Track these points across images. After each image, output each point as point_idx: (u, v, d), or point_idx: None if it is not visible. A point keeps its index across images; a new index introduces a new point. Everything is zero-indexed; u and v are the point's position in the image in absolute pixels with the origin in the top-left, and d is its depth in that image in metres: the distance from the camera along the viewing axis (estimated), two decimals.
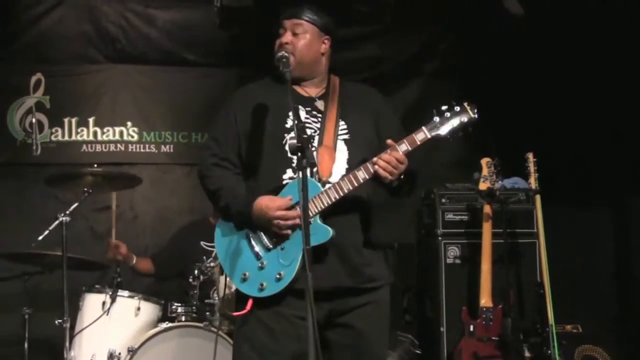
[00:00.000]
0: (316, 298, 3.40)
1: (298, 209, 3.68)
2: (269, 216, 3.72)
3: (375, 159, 3.72)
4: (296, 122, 3.50)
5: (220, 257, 3.93)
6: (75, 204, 5.72)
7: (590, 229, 7.26)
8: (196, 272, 5.70)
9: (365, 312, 3.84)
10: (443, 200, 6.60)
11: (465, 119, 3.78)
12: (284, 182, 3.81)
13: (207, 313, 5.61)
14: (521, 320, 6.33)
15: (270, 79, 4.03)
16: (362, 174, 3.72)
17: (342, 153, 3.86)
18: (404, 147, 3.74)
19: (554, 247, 6.35)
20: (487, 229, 6.24)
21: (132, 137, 7.32)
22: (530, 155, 6.29)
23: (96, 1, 7.29)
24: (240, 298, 3.83)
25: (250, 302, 3.77)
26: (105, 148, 7.27)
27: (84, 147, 7.24)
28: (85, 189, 5.74)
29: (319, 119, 3.89)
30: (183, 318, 5.73)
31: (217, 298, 5.61)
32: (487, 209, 6.26)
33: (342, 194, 3.72)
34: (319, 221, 3.73)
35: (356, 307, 3.83)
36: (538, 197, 6.30)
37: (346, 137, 3.89)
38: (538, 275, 6.39)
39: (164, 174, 7.38)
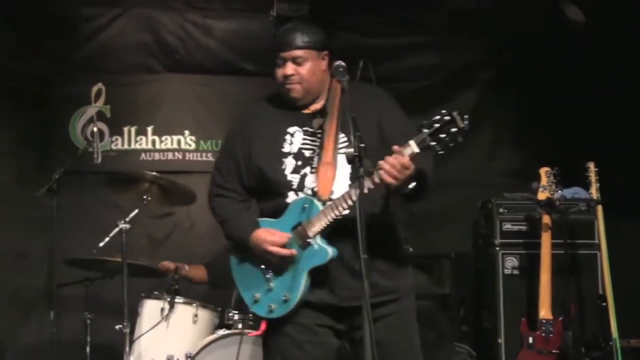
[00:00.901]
0: (334, 314, 3.61)
1: (300, 228, 3.74)
2: (262, 249, 3.80)
3: (380, 163, 3.60)
4: (354, 132, 3.48)
5: (234, 279, 4.01)
6: (135, 211, 5.80)
7: None
8: None
9: (387, 323, 3.82)
10: (501, 210, 6.54)
11: (454, 129, 3.55)
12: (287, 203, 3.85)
13: None
14: (582, 333, 6.24)
15: (269, 97, 4.10)
16: (354, 190, 3.58)
17: (343, 169, 3.79)
18: (390, 160, 3.59)
19: (616, 259, 6.24)
20: (546, 239, 6.16)
21: (190, 145, 7.39)
22: (591, 165, 6.20)
23: (155, 12, 7.39)
24: (257, 318, 4.00)
25: (264, 323, 3.90)
26: (163, 156, 7.35)
27: (143, 155, 7.34)
28: (145, 197, 5.82)
29: (319, 137, 3.88)
30: (240, 325, 5.76)
31: None
32: (546, 219, 6.18)
33: (340, 212, 3.68)
34: (319, 242, 3.73)
35: (377, 319, 3.69)
36: (600, 208, 6.19)
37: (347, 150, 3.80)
38: (600, 288, 6.28)
39: None
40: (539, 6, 6.98)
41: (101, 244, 5.74)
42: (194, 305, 5.80)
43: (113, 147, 7.30)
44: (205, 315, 5.84)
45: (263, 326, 3.90)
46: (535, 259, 6.21)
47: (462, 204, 7.14)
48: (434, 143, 3.55)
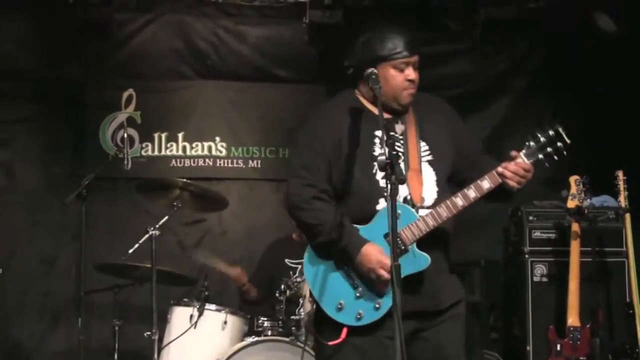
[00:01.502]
0: (404, 317, 3.42)
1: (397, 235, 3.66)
2: (371, 268, 3.69)
3: (500, 169, 3.74)
4: (385, 137, 3.47)
5: (311, 285, 3.85)
6: (165, 218, 5.82)
7: None
8: (282, 287, 5.75)
9: (444, 327, 3.85)
10: (530, 218, 6.54)
11: (560, 144, 3.78)
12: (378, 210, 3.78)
13: (293, 328, 5.64)
14: (610, 341, 6.22)
15: (342, 100, 3.97)
16: (460, 201, 3.72)
17: (428, 175, 3.84)
18: (512, 167, 3.75)
19: None
20: (575, 247, 6.17)
21: (221, 152, 7.41)
22: (620, 174, 6.23)
23: (188, 18, 7.41)
24: (331, 325, 3.78)
25: (345, 331, 3.75)
26: (194, 163, 7.37)
27: (173, 161, 7.36)
28: (175, 203, 5.83)
29: (402, 143, 3.86)
30: (269, 332, 5.78)
31: (303, 313, 5.64)
32: (575, 227, 6.19)
33: (440, 221, 3.72)
34: (416, 249, 3.72)
35: (438, 324, 3.84)
36: (628, 216, 6.24)
37: (429, 158, 3.87)
38: (627, 295, 6.27)
39: (251, 189, 7.45)
40: (572, 14, 6.97)
41: (130, 250, 5.78)
42: (224, 312, 5.81)
43: (143, 153, 7.33)
44: (234, 322, 5.85)
45: (344, 334, 3.73)
46: (564, 267, 6.24)
47: (493, 211, 7.10)
48: (541, 156, 3.78)
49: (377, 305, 3.73)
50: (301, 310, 5.67)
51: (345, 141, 3.82)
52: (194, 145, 7.39)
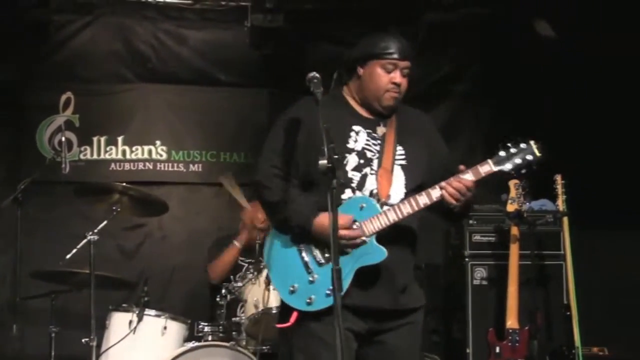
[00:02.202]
0: (361, 313, 3.58)
1: (358, 225, 3.72)
2: (329, 234, 3.63)
3: (443, 183, 3.73)
4: (327, 142, 3.48)
5: (269, 267, 3.93)
6: (104, 223, 5.73)
7: (620, 251, 7.20)
8: (223, 291, 5.73)
9: (403, 332, 3.86)
10: (470, 222, 6.57)
11: (530, 157, 3.81)
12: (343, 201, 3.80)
13: (234, 332, 5.62)
14: (548, 342, 6.30)
15: (329, 95, 3.98)
16: (423, 199, 3.74)
17: (399, 177, 3.87)
18: (468, 176, 3.76)
19: (583, 269, 6.33)
20: (514, 250, 6.22)
21: (161, 156, 7.36)
22: (558, 178, 6.31)
23: (128, 21, 7.37)
24: (285, 310, 3.81)
25: (294, 315, 3.76)
26: (134, 167, 7.32)
27: (113, 165, 7.30)
28: (114, 208, 5.76)
29: (379, 143, 3.89)
30: (210, 337, 5.74)
31: (243, 317, 5.62)
32: (514, 230, 6.24)
33: (401, 217, 3.73)
34: (374, 242, 3.73)
35: (395, 327, 3.85)
36: (565, 220, 6.31)
37: (403, 162, 3.90)
38: (565, 298, 6.35)
39: (192, 193, 7.41)
40: (512, 21, 7.06)
41: (68, 256, 5.67)
42: (163, 317, 5.73)
43: (82, 157, 7.26)
44: (174, 327, 5.76)
45: (293, 318, 3.74)
46: (504, 270, 6.27)
47: (433, 216, 7.16)
48: (509, 166, 3.80)
49: (329, 292, 3.68)
50: (242, 314, 5.65)
51: (321, 132, 3.77)
52: (133, 148, 7.33)
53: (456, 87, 7.69)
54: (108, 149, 7.29)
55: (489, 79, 7.57)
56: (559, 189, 6.28)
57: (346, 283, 3.66)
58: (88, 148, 7.27)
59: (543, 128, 7.15)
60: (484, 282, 6.49)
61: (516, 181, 6.20)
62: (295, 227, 3.80)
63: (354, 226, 3.72)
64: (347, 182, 3.80)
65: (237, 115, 7.27)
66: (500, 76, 7.46)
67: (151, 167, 7.34)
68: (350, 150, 3.84)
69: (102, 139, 7.29)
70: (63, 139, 6.97)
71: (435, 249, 7.20)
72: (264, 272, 5.51)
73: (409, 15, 7.26)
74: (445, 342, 6.88)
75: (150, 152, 7.34)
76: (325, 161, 3.43)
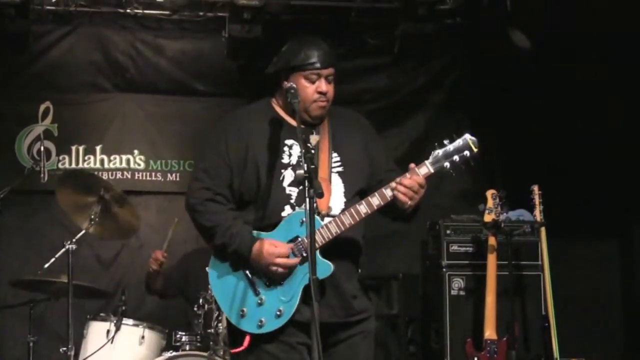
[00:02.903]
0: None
1: (300, 240, 3.69)
2: (268, 262, 3.69)
3: (394, 184, 3.69)
4: (304, 152, 3.48)
5: (216, 293, 3.88)
6: (82, 232, 5.73)
7: (597, 262, 7.27)
8: (201, 301, 5.71)
9: (354, 342, 3.84)
10: (448, 232, 6.60)
11: (467, 153, 3.76)
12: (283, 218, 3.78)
13: (211, 342, 5.60)
14: (526, 353, 6.32)
15: (257, 107, 3.97)
16: (363, 208, 3.70)
17: (337, 186, 3.83)
18: (407, 181, 3.70)
19: (560, 279, 6.36)
20: (491, 260, 6.23)
21: (139, 165, 7.35)
22: (535, 188, 6.33)
23: (106, 31, 7.34)
24: (237, 334, 3.77)
25: (247, 339, 3.73)
26: (112, 175, 7.28)
27: None
28: (92, 217, 5.75)
29: (313, 152, 3.82)
30: (187, 347, 5.72)
31: (221, 327, 5.61)
32: (491, 240, 6.26)
33: (343, 228, 3.70)
34: (319, 256, 3.64)
35: (346, 338, 3.82)
36: (543, 230, 6.34)
37: (340, 169, 3.86)
38: (543, 308, 6.37)
39: (170, 202, 7.39)
40: (488, 30, 7.10)
41: (47, 265, 5.67)
42: (141, 326, 5.73)
43: (60, 166, 7.23)
44: (152, 337, 5.77)
45: (246, 342, 3.71)
46: (481, 280, 6.29)
47: (411, 225, 7.16)
48: (447, 165, 3.73)
49: (279, 313, 3.70)
50: (219, 324, 5.64)
51: (254, 147, 3.81)
52: (112, 158, 7.32)
53: (433, 98, 7.70)
54: (86, 158, 7.27)
55: (466, 89, 7.59)
56: (536, 199, 6.30)
57: (295, 301, 3.68)
58: (66, 157, 7.26)
59: (521, 139, 7.21)
60: (462, 293, 6.51)
61: (493, 191, 6.22)
62: (233, 253, 3.76)
63: (298, 240, 3.70)
64: (285, 199, 3.76)
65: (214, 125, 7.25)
66: (477, 87, 7.50)
67: (129, 176, 7.33)
68: (286, 166, 3.78)
69: (81, 148, 7.28)
70: (42, 148, 6.95)
71: (412, 259, 7.24)
72: None
73: (384, 26, 7.27)
74: (423, 352, 6.88)
75: (128, 161, 7.33)
76: (302, 171, 3.42)
